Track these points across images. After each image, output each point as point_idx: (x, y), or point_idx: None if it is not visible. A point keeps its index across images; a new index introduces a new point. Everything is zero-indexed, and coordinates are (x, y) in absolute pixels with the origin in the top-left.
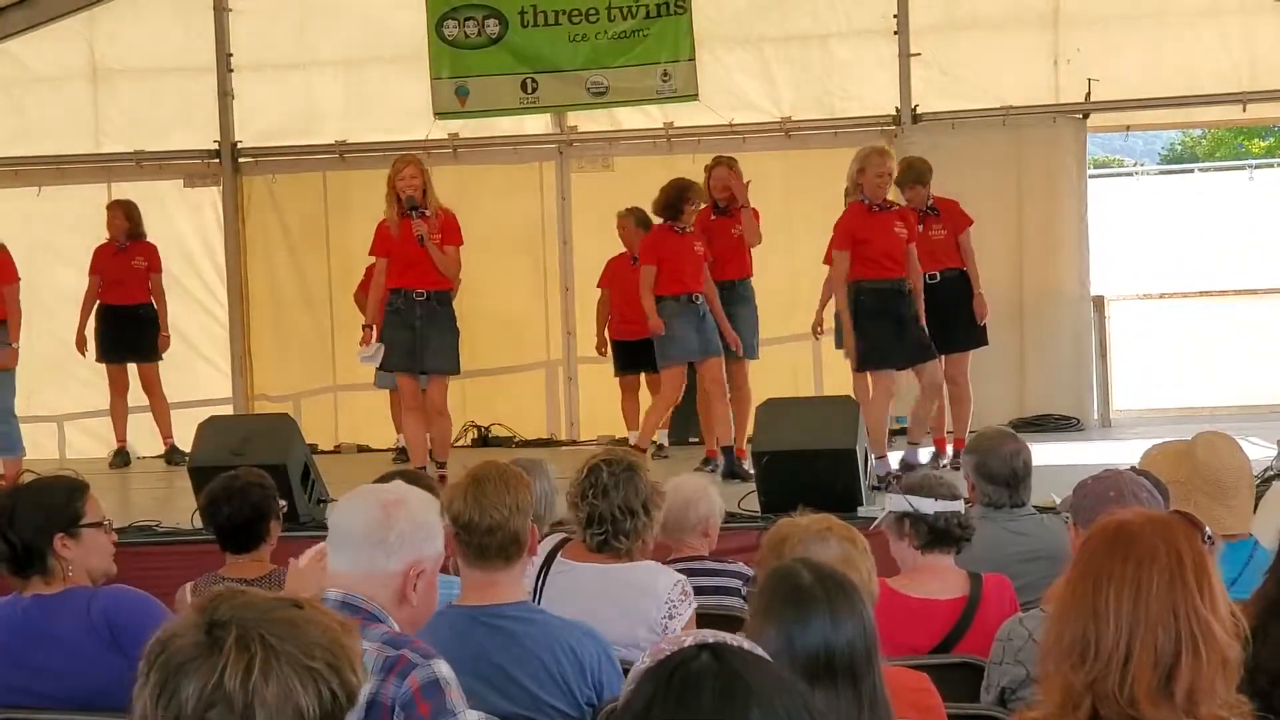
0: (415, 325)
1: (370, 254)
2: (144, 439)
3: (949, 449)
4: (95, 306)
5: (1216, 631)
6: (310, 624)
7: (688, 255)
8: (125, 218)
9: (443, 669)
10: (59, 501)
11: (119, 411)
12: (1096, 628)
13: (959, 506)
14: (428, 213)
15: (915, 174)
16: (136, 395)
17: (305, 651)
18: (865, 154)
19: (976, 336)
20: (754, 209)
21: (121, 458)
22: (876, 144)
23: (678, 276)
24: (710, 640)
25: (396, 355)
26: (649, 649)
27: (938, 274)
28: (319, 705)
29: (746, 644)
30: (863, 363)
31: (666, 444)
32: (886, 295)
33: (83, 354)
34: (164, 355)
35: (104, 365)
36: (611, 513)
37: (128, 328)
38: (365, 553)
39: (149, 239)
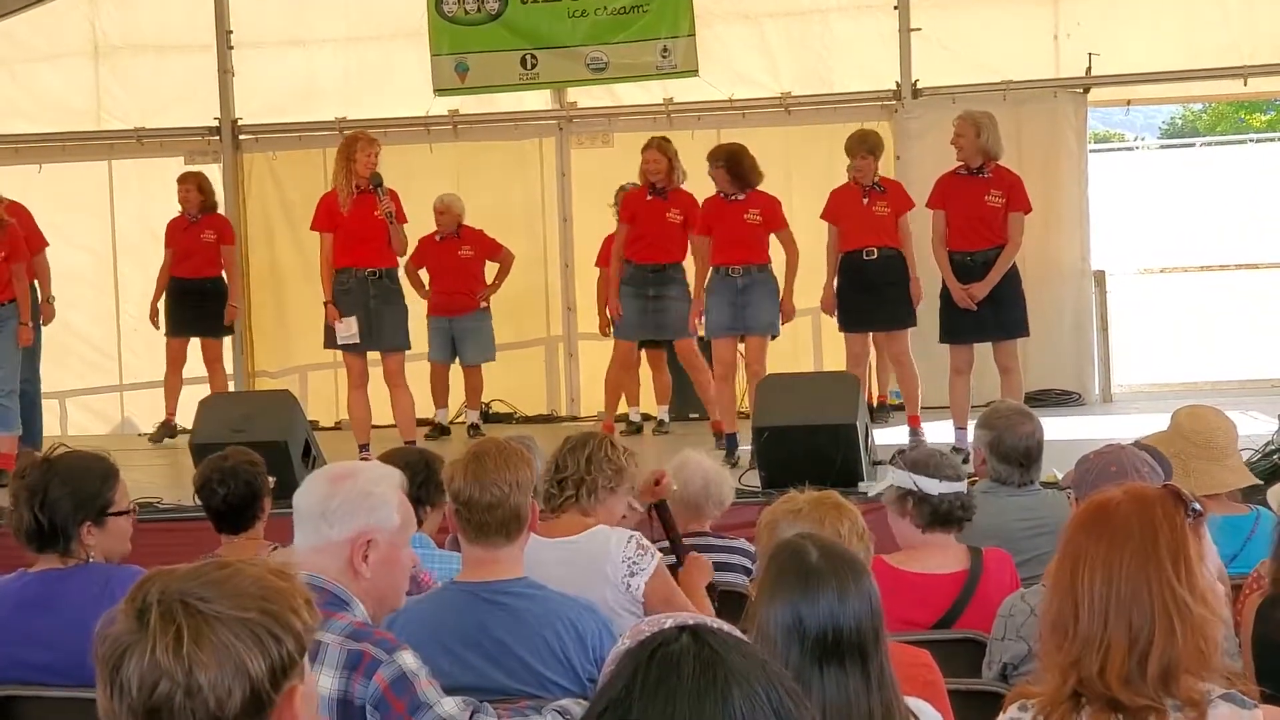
0: (369, 305)
1: (312, 229)
2: (146, 415)
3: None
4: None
5: (1193, 608)
6: (237, 576)
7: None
8: (198, 189)
9: (408, 660)
10: (92, 489)
11: (173, 385)
12: (1075, 609)
13: (962, 487)
14: (384, 190)
15: (867, 145)
16: (151, 371)
17: (236, 605)
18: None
19: (906, 316)
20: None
21: (166, 430)
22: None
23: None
24: (690, 622)
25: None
26: (629, 630)
27: (875, 250)
28: (264, 658)
29: (726, 626)
30: (940, 335)
31: (668, 419)
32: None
33: (155, 326)
34: (234, 328)
35: (168, 339)
36: (563, 462)
37: (194, 301)
38: (311, 524)
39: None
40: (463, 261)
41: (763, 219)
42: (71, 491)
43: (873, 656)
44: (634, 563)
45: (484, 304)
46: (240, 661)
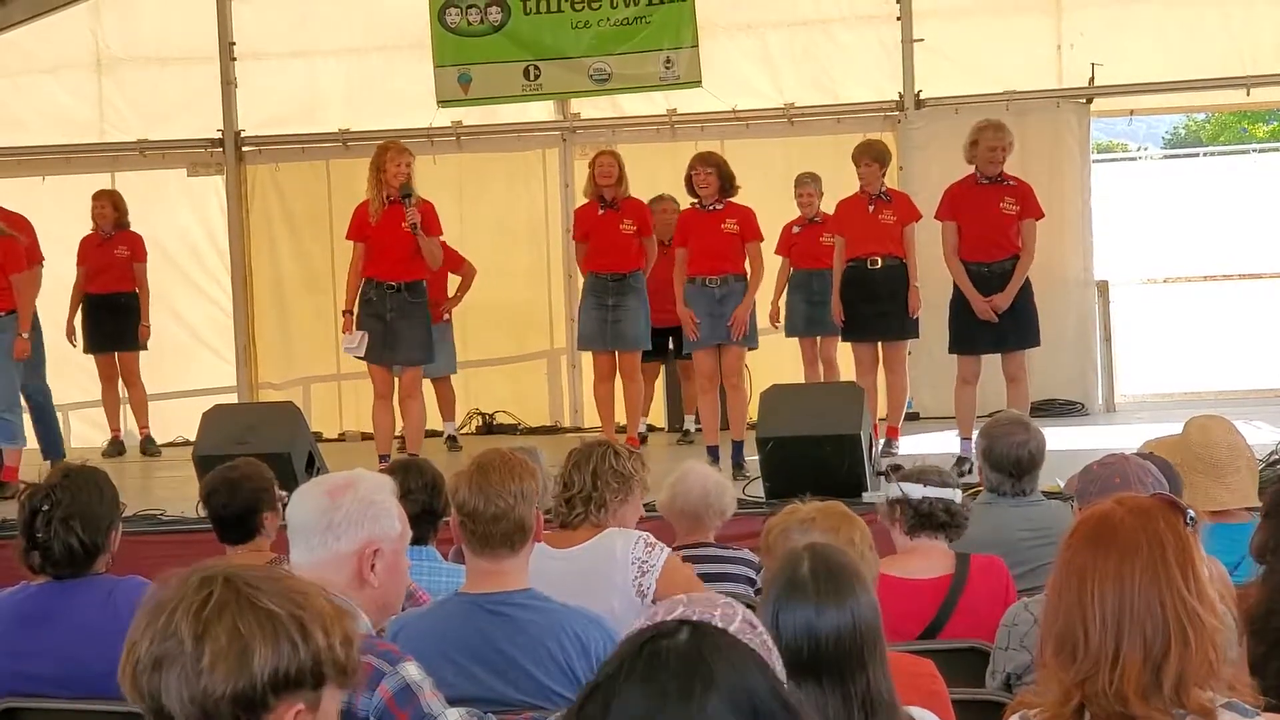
0: (386, 317)
1: (346, 238)
2: (153, 426)
3: (882, 436)
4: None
5: (1204, 617)
6: (286, 579)
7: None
8: (114, 207)
9: (412, 672)
10: (111, 496)
11: (110, 401)
12: (1084, 625)
13: (949, 494)
14: (415, 202)
15: (872, 153)
16: (154, 384)
17: (271, 597)
18: (980, 126)
19: (909, 328)
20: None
21: (115, 447)
22: (995, 119)
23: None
24: (694, 618)
25: (369, 346)
26: (645, 614)
27: (879, 259)
28: (275, 657)
29: (734, 626)
30: (950, 346)
31: (692, 429)
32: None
33: (72, 343)
34: (147, 345)
35: (93, 356)
36: (562, 479)
37: (109, 317)
38: (316, 539)
39: (134, 229)
40: None
41: (739, 229)
42: (98, 504)
43: (854, 677)
44: (643, 562)
45: (446, 317)
46: (246, 652)
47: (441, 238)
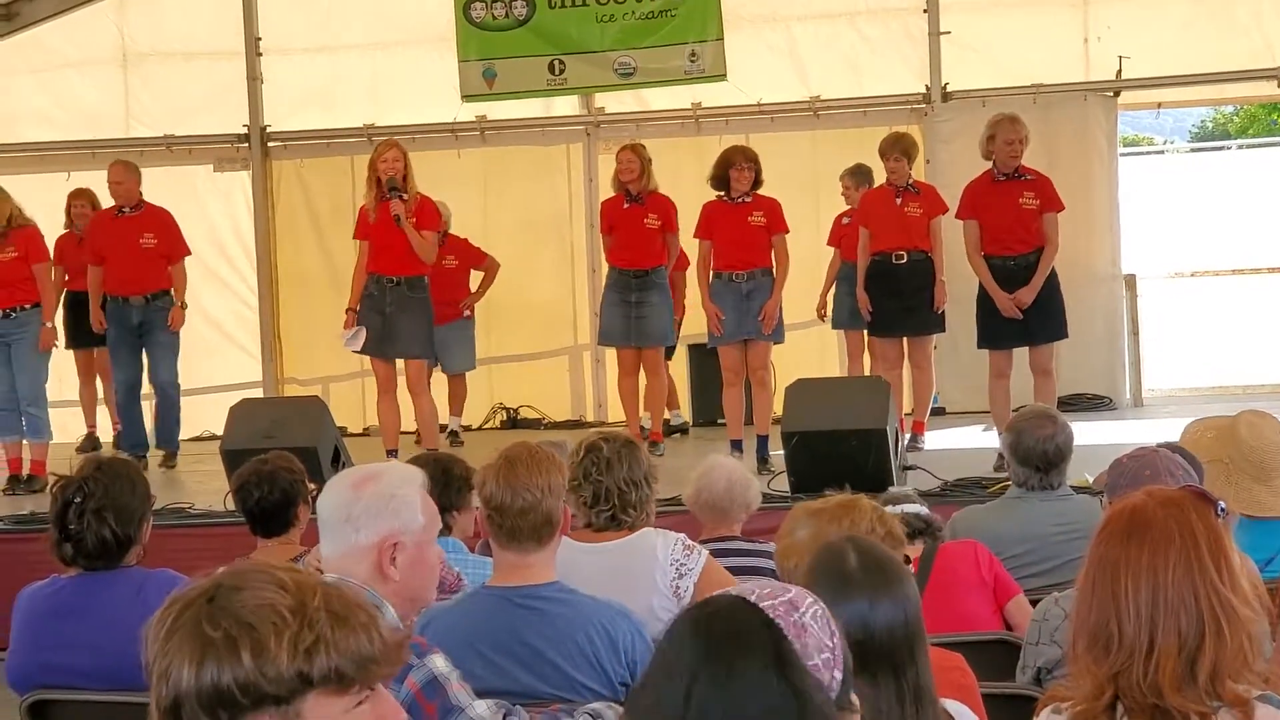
0: (386, 311)
1: (354, 237)
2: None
3: (908, 432)
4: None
5: (1237, 607)
6: (261, 591)
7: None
8: (93, 207)
9: (439, 664)
10: (142, 488)
11: (88, 398)
12: (1118, 619)
13: (912, 508)
14: (405, 196)
15: (900, 147)
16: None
17: (210, 618)
18: (996, 120)
19: (935, 322)
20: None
21: (91, 442)
22: (1009, 112)
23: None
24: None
25: (369, 340)
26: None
27: (905, 254)
28: (195, 681)
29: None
30: (979, 341)
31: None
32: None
33: (54, 344)
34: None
35: (72, 352)
36: (617, 486)
37: (88, 315)
38: (338, 531)
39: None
40: (446, 270)
41: (766, 221)
42: (131, 496)
43: (906, 669)
44: (681, 564)
45: (467, 313)
46: (178, 667)
47: (439, 233)
